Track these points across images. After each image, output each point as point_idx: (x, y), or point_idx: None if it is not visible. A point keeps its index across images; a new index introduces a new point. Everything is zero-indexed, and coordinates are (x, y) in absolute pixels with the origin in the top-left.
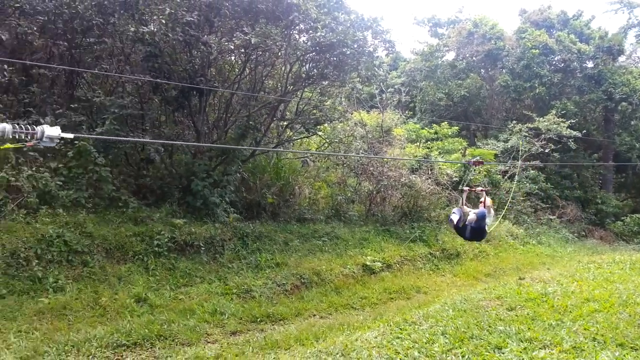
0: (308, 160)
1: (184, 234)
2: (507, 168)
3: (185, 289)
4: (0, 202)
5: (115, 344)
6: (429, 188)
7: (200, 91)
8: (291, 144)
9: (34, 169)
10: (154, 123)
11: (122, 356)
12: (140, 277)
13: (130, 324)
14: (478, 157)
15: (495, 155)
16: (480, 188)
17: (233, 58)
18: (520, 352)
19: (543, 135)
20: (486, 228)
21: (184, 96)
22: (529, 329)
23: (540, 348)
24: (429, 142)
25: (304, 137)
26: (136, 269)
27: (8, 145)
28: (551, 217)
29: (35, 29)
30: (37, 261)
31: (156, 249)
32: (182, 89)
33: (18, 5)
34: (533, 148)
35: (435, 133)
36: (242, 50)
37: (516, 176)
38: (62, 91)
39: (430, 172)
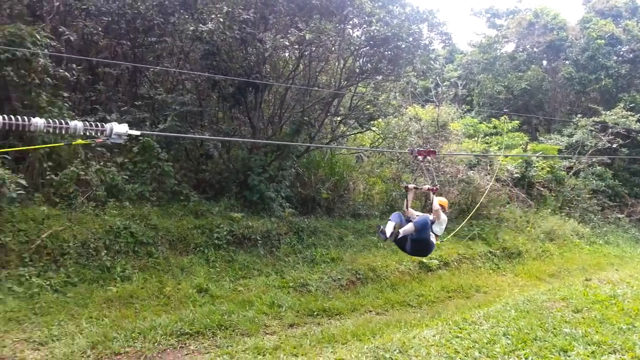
0: (362, 155)
1: (241, 228)
2: (571, 164)
3: (244, 281)
4: (72, 195)
5: (179, 332)
6: (488, 184)
7: (256, 87)
8: (345, 139)
9: (101, 163)
10: (212, 119)
11: (185, 344)
12: (201, 269)
13: (192, 314)
14: (429, 147)
15: (559, 151)
16: (427, 186)
17: (287, 54)
18: (588, 355)
19: (610, 130)
20: (432, 239)
21: (241, 93)
22: (596, 332)
23: (609, 352)
24: (487, 137)
25: (357, 133)
26: (197, 261)
27: (80, 141)
28: (619, 215)
29: (100, 29)
30: (105, 251)
31: (216, 241)
32: (239, 85)
33: (84, 7)
34: (599, 143)
35: (494, 127)
36: (296, 47)
37: (581, 172)
38: (126, 89)
39: (489, 167)
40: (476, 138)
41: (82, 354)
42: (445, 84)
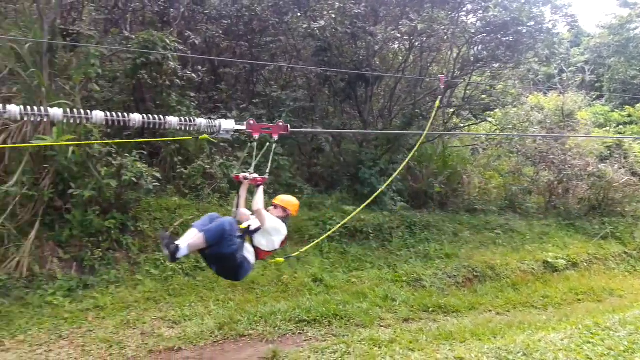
0: (478, 148)
1: (353, 221)
2: None
3: (357, 273)
4: (199, 187)
5: (297, 319)
6: (622, 179)
7: (366, 81)
8: (458, 131)
9: (224, 158)
10: (323, 114)
11: (303, 330)
12: (316, 259)
13: (309, 302)
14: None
15: None
16: (254, 175)
17: (397, 46)
18: None
19: None
20: (247, 256)
21: (351, 87)
22: None
23: None
24: (620, 127)
25: (471, 124)
26: (312, 251)
27: (205, 135)
28: None
29: (220, 32)
30: None
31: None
32: (349, 80)
33: (207, 12)
34: None
35: (629, 116)
36: (406, 38)
37: None
38: (244, 88)
39: (624, 160)
40: (608, 128)
41: (211, 334)
42: (570, 69)
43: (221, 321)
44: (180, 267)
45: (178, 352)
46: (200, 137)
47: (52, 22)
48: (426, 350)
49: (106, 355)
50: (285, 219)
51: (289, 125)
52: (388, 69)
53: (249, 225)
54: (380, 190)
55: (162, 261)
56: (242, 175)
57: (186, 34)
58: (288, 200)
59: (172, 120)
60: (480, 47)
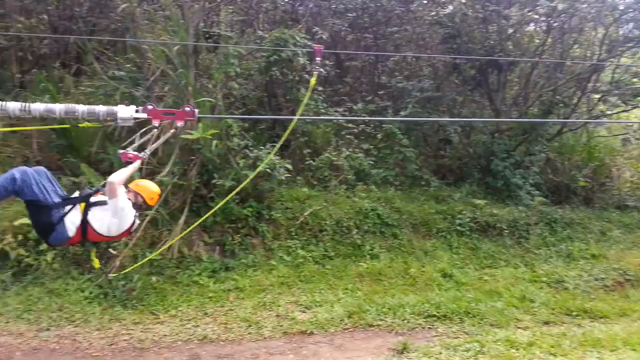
0: (630, 137)
1: (485, 215)
2: None
3: (490, 270)
4: (326, 179)
5: (426, 313)
6: None
7: (499, 67)
8: (604, 120)
9: (350, 150)
10: (450, 104)
11: (433, 326)
12: (444, 254)
13: (438, 297)
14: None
15: None
16: (132, 152)
17: (532, 28)
18: None
19: None
20: (66, 222)
21: (482, 74)
22: None
23: None
24: None
25: (621, 112)
26: (440, 245)
27: (86, 123)
28: None
29: (346, 25)
30: (356, 230)
31: (458, 227)
32: (480, 67)
33: (333, 7)
34: None
35: None
36: (544, 19)
37: None
38: (369, 79)
39: None
40: None
41: (340, 321)
42: None
43: (350, 309)
44: (310, 255)
45: (310, 336)
46: (80, 124)
47: (196, 25)
48: (570, 356)
49: (245, 333)
50: (137, 207)
51: (196, 111)
52: (523, 54)
53: (90, 194)
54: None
55: (294, 248)
56: (133, 151)
57: (314, 30)
58: (143, 185)
59: (58, 108)
60: (631, 26)
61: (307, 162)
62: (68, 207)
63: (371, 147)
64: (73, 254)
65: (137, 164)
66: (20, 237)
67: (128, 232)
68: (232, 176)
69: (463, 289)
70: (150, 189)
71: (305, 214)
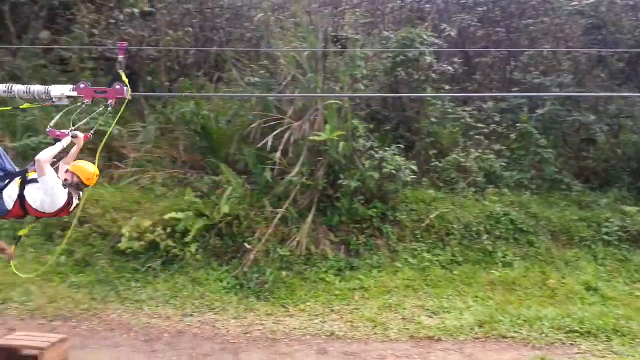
0: None
1: (636, 224)
2: None
3: None
4: (453, 180)
5: (567, 329)
6: None
7: None
8: None
9: (479, 151)
10: (596, 100)
11: (575, 342)
12: (587, 265)
13: (581, 311)
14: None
15: None
16: (74, 131)
17: None
18: None
19: None
20: (4, 196)
21: (632, 67)
22: None
23: None
24: None
25: None
26: (583, 256)
27: (27, 104)
28: None
29: (475, 20)
30: (486, 235)
31: (604, 236)
32: (630, 59)
33: (462, 1)
34: None
35: None
36: None
37: None
38: (500, 76)
39: None
40: None
41: (470, 330)
42: None
43: (481, 318)
44: (436, 259)
45: (438, 342)
46: (20, 106)
47: (325, 30)
48: None
49: (371, 333)
50: (74, 187)
51: (125, 89)
52: None
53: (26, 170)
54: None
55: (419, 251)
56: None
57: (441, 27)
58: (79, 166)
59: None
60: None
61: (432, 163)
62: (6, 181)
63: (503, 147)
64: (213, 246)
65: (64, 142)
66: (168, 229)
67: (67, 210)
68: (358, 177)
69: (610, 304)
70: (86, 169)
71: (431, 216)
